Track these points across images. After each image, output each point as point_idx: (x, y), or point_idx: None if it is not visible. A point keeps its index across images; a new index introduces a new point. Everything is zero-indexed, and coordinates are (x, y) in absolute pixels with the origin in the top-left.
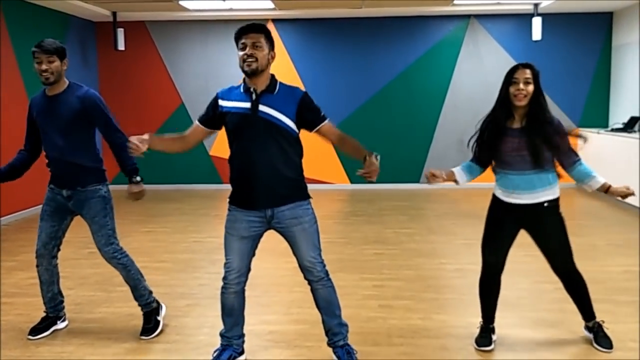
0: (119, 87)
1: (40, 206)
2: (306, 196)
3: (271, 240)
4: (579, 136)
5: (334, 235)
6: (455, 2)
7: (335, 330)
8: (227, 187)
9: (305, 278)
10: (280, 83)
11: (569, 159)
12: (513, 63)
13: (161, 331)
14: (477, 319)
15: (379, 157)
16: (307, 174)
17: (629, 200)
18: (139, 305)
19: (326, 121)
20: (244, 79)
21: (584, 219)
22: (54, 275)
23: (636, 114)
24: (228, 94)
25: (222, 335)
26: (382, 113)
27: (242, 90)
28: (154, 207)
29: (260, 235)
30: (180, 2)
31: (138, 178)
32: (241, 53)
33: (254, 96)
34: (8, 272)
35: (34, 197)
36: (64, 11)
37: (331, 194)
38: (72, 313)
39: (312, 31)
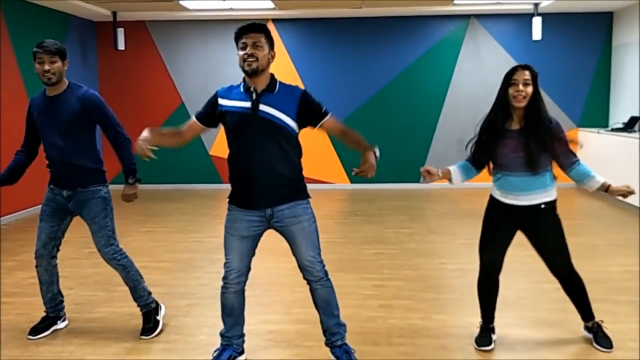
0: (119, 87)
1: (40, 206)
2: (305, 196)
3: (271, 240)
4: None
5: (334, 235)
6: (455, 1)
7: (333, 330)
8: (227, 187)
9: (305, 278)
10: (280, 82)
11: (568, 159)
12: (513, 63)
13: (161, 331)
14: (477, 319)
15: (377, 152)
16: (307, 173)
17: (629, 200)
18: (138, 305)
19: (328, 116)
20: (244, 79)
21: (584, 218)
22: (54, 276)
23: (636, 114)
24: (228, 93)
25: (222, 335)
26: (382, 113)
27: (242, 89)
28: (154, 206)
29: (260, 235)
30: (181, 2)
31: (131, 180)
32: (241, 53)
33: (254, 95)
34: (8, 271)
35: (33, 197)
36: (64, 11)
37: (331, 194)
38: (72, 313)
39: (312, 31)
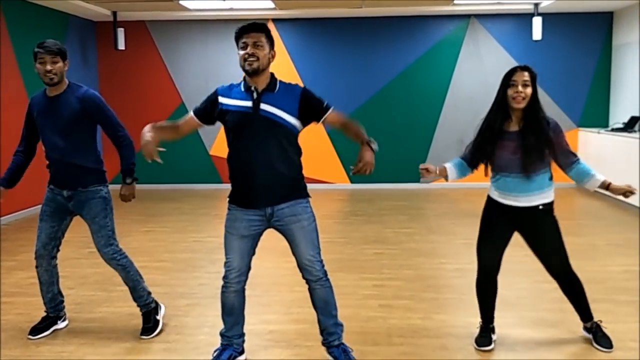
0: (119, 86)
1: (40, 206)
2: (305, 195)
3: (272, 240)
4: None
5: (334, 235)
6: (455, 1)
7: (330, 330)
8: (227, 187)
9: (304, 277)
10: (280, 81)
11: (567, 159)
12: (513, 63)
13: (161, 331)
14: (477, 319)
15: (375, 146)
16: (307, 173)
17: (629, 199)
18: (138, 305)
19: (330, 110)
20: (244, 78)
21: (584, 218)
22: (54, 276)
23: (636, 114)
24: (228, 91)
25: (222, 334)
26: (382, 113)
27: (242, 88)
28: (153, 206)
29: (260, 234)
30: (181, 2)
31: (129, 180)
32: (242, 52)
33: (255, 95)
34: (8, 271)
35: (33, 197)
36: (64, 11)
37: (331, 194)
38: (73, 313)
39: (312, 31)
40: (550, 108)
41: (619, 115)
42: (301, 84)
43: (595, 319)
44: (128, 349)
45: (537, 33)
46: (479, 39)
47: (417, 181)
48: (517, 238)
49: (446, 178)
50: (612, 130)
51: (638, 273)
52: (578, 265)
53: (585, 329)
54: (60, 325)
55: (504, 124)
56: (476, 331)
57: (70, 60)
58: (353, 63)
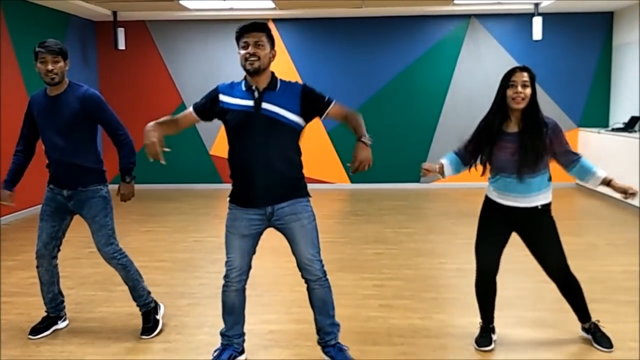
0: (119, 86)
1: (39, 206)
2: (305, 194)
3: (272, 240)
4: None
5: (334, 235)
6: (455, 1)
7: (327, 330)
8: (227, 187)
9: (303, 277)
10: (280, 80)
11: (568, 158)
12: (514, 63)
13: (161, 330)
14: (477, 319)
15: (367, 140)
16: (307, 173)
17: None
18: (138, 305)
19: (332, 103)
20: (245, 77)
21: (584, 218)
22: (54, 276)
23: (636, 114)
24: (230, 90)
25: (222, 334)
26: (382, 112)
27: (243, 88)
28: (153, 206)
29: (261, 233)
30: (181, 2)
31: (128, 179)
32: (243, 52)
33: (256, 94)
34: (8, 271)
35: (33, 196)
36: (64, 10)
37: (331, 194)
38: (73, 312)
39: (312, 31)
40: (551, 108)
41: (619, 115)
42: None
43: (595, 318)
44: (128, 348)
45: (537, 33)
46: (479, 39)
47: (417, 181)
48: (516, 238)
49: (442, 174)
50: (613, 130)
51: (638, 273)
52: (578, 265)
53: (584, 329)
54: (61, 325)
55: (503, 125)
56: (476, 331)
57: (70, 60)
58: (353, 63)
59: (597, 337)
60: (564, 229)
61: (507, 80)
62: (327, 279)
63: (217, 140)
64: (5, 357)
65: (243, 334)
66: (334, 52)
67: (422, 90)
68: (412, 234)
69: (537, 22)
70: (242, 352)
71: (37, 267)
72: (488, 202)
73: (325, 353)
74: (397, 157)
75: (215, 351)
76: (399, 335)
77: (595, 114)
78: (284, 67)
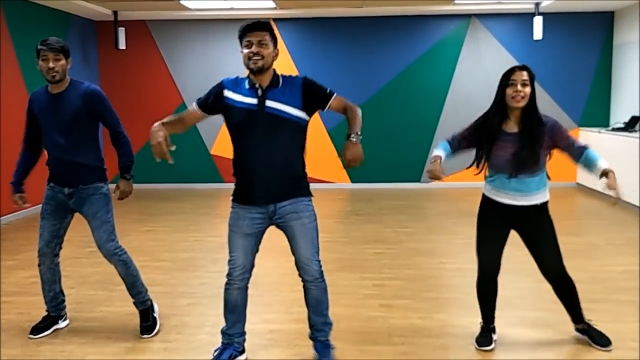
0: (119, 86)
1: (40, 205)
2: (307, 193)
3: (273, 239)
4: None
5: (334, 235)
6: (456, 1)
7: (319, 327)
8: (228, 187)
9: (300, 276)
10: (281, 75)
11: (574, 150)
12: (514, 62)
13: (158, 330)
14: (478, 319)
15: (355, 139)
16: (307, 172)
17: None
18: (136, 302)
19: (334, 96)
20: (248, 75)
21: (584, 218)
22: (56, 274)
23: (637, 114)
24: (234, 86)
25: (223, 332)
26: (382, 112)
27: (247, 86)
28: (154, 206)
29: (263, 232)
30: (182, 2)
31: (128, 176)
32: (246, 51)
33: (259, 92)
34: (8, 271)
35: (33, 196)
36: (65, 10)
37: (331, 193)
38: (73, 312)
39: (313, 30)
40: (551, 107)
41: (620, 114)
42: None
43: (587, 318)
44: (129, 348)
45: (537, 32)
46: (480, 39)
47: (418, 181)
48: (515, 238)
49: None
50: (613, 129)
51: (638, 273)
52: (578, 264)
53: (578, 330)
54: (61, 324)
55: (502, 124)
56: (476, 331)
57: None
58: (354, 62)
59: (595, 336)
60: (564, 229)
61: (506, 79)
62: (323, 280)
63: (217, 140)
64: (6, 357)
65: (244, 333)
66: (335, 51)
67: (423, 90)
68: (412, 234)
69: (538, 21)
70: (242, 351)
71: (39, 265)
72: (486, 200)
73: (314, 347)
74: (397, 156)
75: (215, 350)
76: (399, 335)
77: (596, 114)
78: (284, 66)
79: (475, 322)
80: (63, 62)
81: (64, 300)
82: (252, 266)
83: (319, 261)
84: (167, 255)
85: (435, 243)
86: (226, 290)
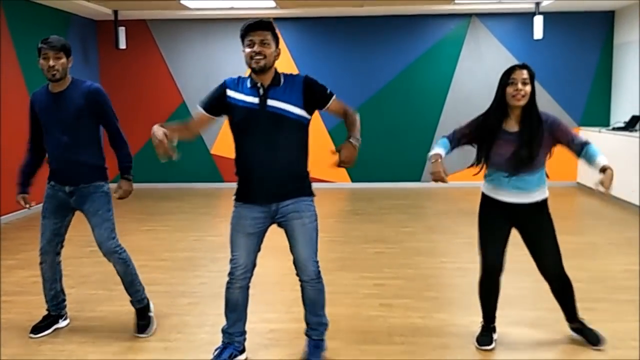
0: (120, 85)
1: (40, 204)
2: (310, 193)
3: (274, 239)
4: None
5: (335, 234)
6: (456, 0)
7: (313, 327)
8: (228, 186)
9: (297, 275)
10: (283, 74)
11: (576, 146)
12: (514, 62)
13: (155, 329)
14: (478, 318)
15: (356, 143)
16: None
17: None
18: (133, 300)
19: (334, 97)
20: (250, 74)
21: (584, 217)
22: (57, 273)
23: (637, 113)
24: (236, 85)
25: (223, 331)
26: (383, 111)
27: (249, 85)
28: (154, 205)
29: (265, 231)
30: (182, 1)
31: (129, 176)
32: (248, 50)
33: (261, 91)
34: (9, 270)
35: (33, 195)
36: (65, 9)
37: (332, 193)
38: (74, 311)
39: (313, 30)
40: (552, 107)
41: (620, 114)
42: None
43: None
44: (129, 347)
45: (538, 32)
46: (480, 38)
47: (418, 180)
48: (515, 237)
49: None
50: (613, 129)
51: (638, 272)
52: (578, 264)
53: (572, 328)
54: (62, 324)
55: (503, 123)
56: (477, 330)
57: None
58: (354, 62)
59: (587, 335)
60: (565, 228)
61: (506, 78)
62: (320, 281)
63: (217, 140)
64: (6, 356)
65: (244, 332)
66: (335, 51)
67: (423, 89)
68: (412, 233)
69: (538, 21)
70: (242, 350)
71: (41, 263)
72: (486, 199)
73: (306, 344)
74: (397, 156)
75: (216, 350)
76: (399, 335)
77: (596, 113)
78: (284, 66)
79: (475, 321)
80: (64, 60)
81: (64, 300)
82: (254, 265)
83: (317, 262)
84: (167, 255)
85: (436, 242)
86: (227, 289)
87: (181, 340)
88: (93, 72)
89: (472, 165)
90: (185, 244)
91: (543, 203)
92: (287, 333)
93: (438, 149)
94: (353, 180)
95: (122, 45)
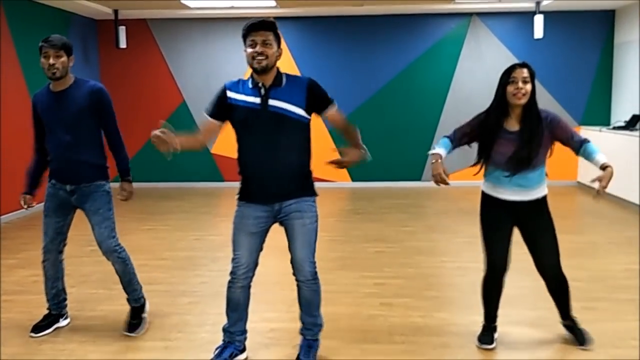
0: (120, 85)
1: (41, 204)
2: (312, 193)
3: (275, 238)
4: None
5: (335, 233)
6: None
7: (307, 327)
8: (228, 185)
9: (294, 275)
10: (285, 74)
11: (574, 144)
12: (515, 61)
13: (147, 329)
14: (478, 317)
15: (365, 155)
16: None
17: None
18: (130, 299)
19: (334, 105)
20: (252, 74)
21: (584, 217)
22: (60, 271)
23: (638, 112)
24: (236, 86)
25: (224, 330)
26: (383, 111)
27: (250, 85)
28: (154, 204)
29: (268, 230)
30: (182, 0)
31: (130, 177)
32: (250, 50)
33: (262, 91)
34: (9, 269)
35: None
36: (66, 9)
37: (332, 192)
38: (74, 311)
39: (313, 29)
40: (552, 106)
41: (621, 113)
42: None
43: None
44: (130, 346)
45: (538, 31)
46: (481, 37)
47: (418, 179)
48: (516, 237)
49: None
50: (614, 128)
51: (638, 271)
52: (578, 263)
53: (564, 325)
54: (62, 323)
55: (503, 122)
56: (477, 329)
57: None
58: (354, 61)
59: (577, 333)
60: (565, 228)
61: (507, 77)
62: (316, 282)
63: (218, 139)
64: (7, 356)
65: (245, 331)
66: (335, 50)
67: (424, 89)
68: (412, 233)
69: (539, 20)
70: (243, 350)
71: (43, 261)
72: (486, 198)
73: (300, 344)
74: (398, 155)
75: (216, 349)
76: (400, 334)
77: (597, 113)
78: (285, 65)
79: (475, 320)
80: (64, 58)
81: (65, 299)
82: (256, 265)
83: (314, 263)
84: (167, 254)
85: (436, 242)
86: (229, 288)
87: (182, 340)
88: (93, 72)
89: (474, 165)
90: (186, 243)
91: (543, 200)
92: (288, 332)
93: (438, 148)
94: (353, 180)
95: (123, 44)
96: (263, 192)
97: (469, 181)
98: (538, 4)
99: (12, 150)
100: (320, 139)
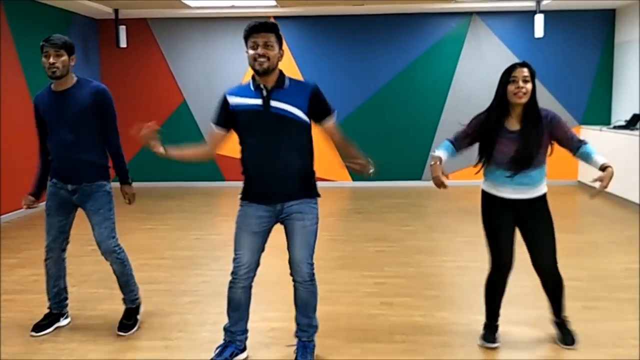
0: (120, 84)
1: (41, 203)
2: (315, 194)
3: (275, 237)
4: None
5: (335, 233)
6: None
7: (303, 328)
8: (229, 185)
9: (291, 275)
10: (289, 78)
11: (572, 144)
12: (515, 60)
13: (138, 328)
14: (479, 316)
15: (372, 170)
16: None
17: (630, 197)
18: (126, 299)
19: (334, 115)
20: (253, 76)
21: (585, 216)
22: (62, 270)
23: (638, 112)
24: (237, 91)
25: (225, 329)
26: (384, 110)
27: (252, 87)
28: (155, 204)
29: (270, 230)
30: (183, 0)
31: (130, 180)
32: (252, 52)
33: (264, 92)
34: (10, 269)
35: None
36: (66, 8)
37: (332, 192)
38: (75, 310)
39: (313, 28)
40: (553, 106)
41: (621, 112)
42: None
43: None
44: (130, 346)
45: (539, 30)
46: (481, 37)
47: (418, 179)
48: (517, 235)
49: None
50: (614, 127)
51: (639, 271)
52: (579, 262)
53: (554, 322)
54: (63, 322)
55: (504, 121)
56: (478, 328)
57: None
58: (355, 61)
59: (563, 332)
60: (565, 227)
61: (507, 76)
62: (313, 283)
63: None
64: (7, 355)
65: (246, 331)
66: (336, 49)
67: (424, 88)
68: (413, 232)
69: (539, 19)
70: (244, 349)
71: (46, 259)
72: (487, 197)
73: (296, 346)
74: (398, 155)
75: (217, 348)
76: (400, 333)
77: (597, 112)
78: (285, 65)
79: (476, 320)
80: (65, 58)
81: (66, 298)
82: (258, 265)
83: (312, 264)
84: (168, 254)
85: (436, 241)
86: (230, 288)
87: (182, 339)
88: (94, 71)
89: (475, 164)
90: (186, 243)
91: (543, 198)
92: (288, 332)
93: (439, 151)
94: (354, 179)
95: (123, 44)
96: (265, 192)
97: (469, 180)
98: (538, 3)
99: (12, 150)
100: (321, 138)
